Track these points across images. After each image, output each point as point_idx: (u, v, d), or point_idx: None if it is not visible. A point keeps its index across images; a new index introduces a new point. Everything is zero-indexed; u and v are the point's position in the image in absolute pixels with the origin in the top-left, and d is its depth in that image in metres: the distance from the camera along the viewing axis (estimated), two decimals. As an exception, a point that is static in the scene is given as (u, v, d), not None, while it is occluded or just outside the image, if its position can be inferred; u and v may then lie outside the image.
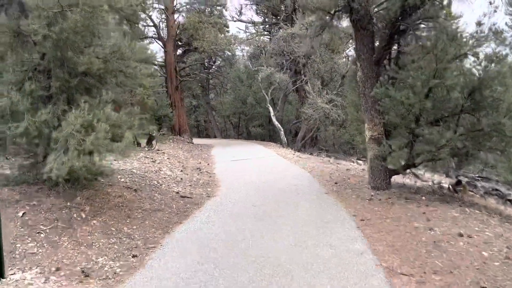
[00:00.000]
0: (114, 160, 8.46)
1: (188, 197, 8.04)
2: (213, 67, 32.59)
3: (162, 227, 6.13)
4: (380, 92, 7.34)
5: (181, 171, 11.29)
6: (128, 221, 6.11)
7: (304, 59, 21.83)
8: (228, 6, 30.31)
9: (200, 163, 13.82)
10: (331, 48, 23.33)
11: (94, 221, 5.76)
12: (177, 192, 8.31)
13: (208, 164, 13.60)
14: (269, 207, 7.09)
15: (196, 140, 27.22)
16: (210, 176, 11.02)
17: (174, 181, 9.53)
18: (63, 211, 5.78)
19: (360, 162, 16.10)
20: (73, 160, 5.46)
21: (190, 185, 9.39)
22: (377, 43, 8.19)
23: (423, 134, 7.31)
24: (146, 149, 14.18)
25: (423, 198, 7.33)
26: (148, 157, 12.14)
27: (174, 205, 7.31)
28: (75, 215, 5.76)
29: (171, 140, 22.07)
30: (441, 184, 10.93)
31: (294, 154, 16.36)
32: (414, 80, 6.77)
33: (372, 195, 7.54)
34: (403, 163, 7.74)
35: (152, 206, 6.94)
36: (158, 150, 14.66)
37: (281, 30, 23.10)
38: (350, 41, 24.11)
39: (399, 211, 6.34)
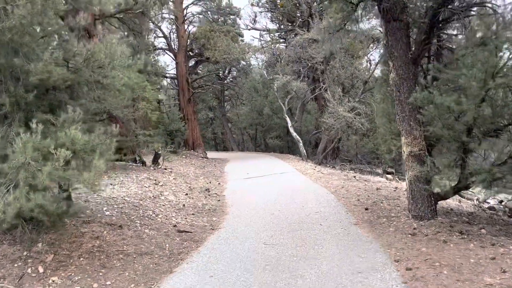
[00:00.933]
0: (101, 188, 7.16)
1: (187, 232, 6.64)
2: (228, 78, 31.48)
3: (145, 279, 4.73)
4: (420, 97, 5.81)
5: (186, 194, 9.93)
6: (101, 273, 4.74)
7: (323, 65, 20.38)
8: (242, 14, 29.14)
9: (210, 182, 12.46)
10: (351, 53, 21.83)
11: (54, 278, 4.42)
12: (175, 225, 6.93)
13: (219, 184, 12.23)
14: (285, 248, 5.61)
15: (211, 154, 26.01)
16: (219, 200, 9.62)
17: (174, 209, 8.17)
18: (16, 264, 4.47)
19: (389, 176, 14.43)
20: (21, 199, 4.16)
21: (193, 214, 8.00)
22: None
23: (479, 149, 5.75)
24: (152, 168, 12.94)
25: (483, 231, 5.71)
26: (151, 179, 10.86)
27: (167, 245, 5.92)
28: (29, 270, 4.43)
29: (183, 156, 20.92)
30: (491, 205, 9.23)
31: (314, 169, 14.83)
32: (467, 80, 5.22)
33: (415, 228, 5.96)
34: (452, 184, 6.16)
35: (138, 249, 5.56)
36: (165, 168, 13.40)
37: (297, 36, 21.78)
38: (371, 45, 22.60)
39: (457, 255, 4.75)
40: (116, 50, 5.67)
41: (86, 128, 5.16)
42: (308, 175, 12.99)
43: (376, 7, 6.27)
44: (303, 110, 22.91)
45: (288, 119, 21.09)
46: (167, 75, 24.03)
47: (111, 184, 9.14)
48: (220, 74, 28.86)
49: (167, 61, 33.12)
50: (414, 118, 6.22)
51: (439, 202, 7.27)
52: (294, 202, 8.59)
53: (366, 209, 7.53)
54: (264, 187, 10.99)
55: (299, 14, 29.06)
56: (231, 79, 31.13)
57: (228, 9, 28.62)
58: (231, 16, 29.17)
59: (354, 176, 12.09)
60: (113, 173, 10.57)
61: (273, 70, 26.04)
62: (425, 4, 6.00)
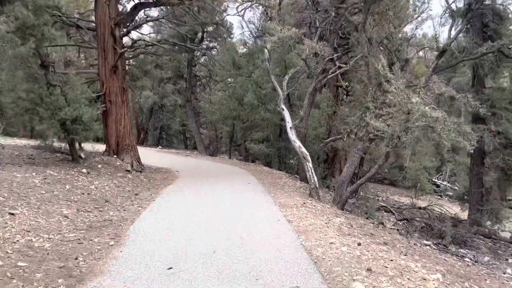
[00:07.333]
0: None
1: None
2: (200, 46, 21.23)
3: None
4: None
5: None
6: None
7: (361, 14, 10.49)
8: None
9: None
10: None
11: None
12: None
13: None
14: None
15: (164, 158, 16.07)
16: None
17: None
18: None
19: None
20: None
21: None
22: None
23: None
24: None
25: None
26: None
27: None
28: None
29: (89, 169, 10.86)
30: None
31: (359, 245, 5.01)
32: None
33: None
34: None
35: None
36: None
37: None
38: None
39: None
40: None
41: None
42: None
43: None
44: (312, 100, 12.94)
45: (286, 114, 11.15)
46: (77, 20, 13.61)
47: None
48: (185, 36, 18.32)
49: None
50: None
51: None
52: None
53: None
54: None
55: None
56: (202, 48, 20.90)
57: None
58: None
59: None
60: None
61: (265, 30, 16.01)
62: None
